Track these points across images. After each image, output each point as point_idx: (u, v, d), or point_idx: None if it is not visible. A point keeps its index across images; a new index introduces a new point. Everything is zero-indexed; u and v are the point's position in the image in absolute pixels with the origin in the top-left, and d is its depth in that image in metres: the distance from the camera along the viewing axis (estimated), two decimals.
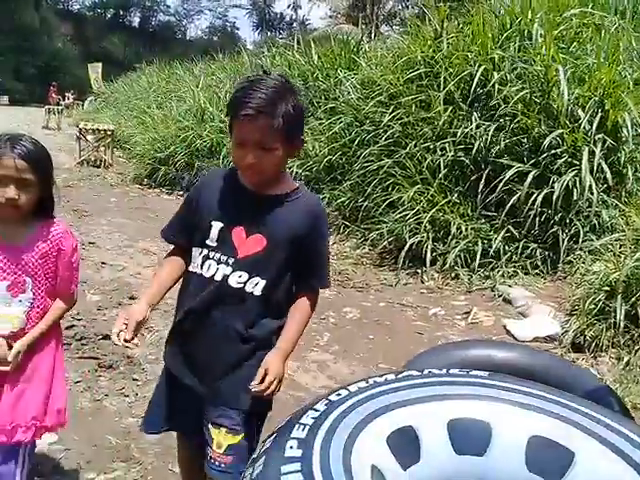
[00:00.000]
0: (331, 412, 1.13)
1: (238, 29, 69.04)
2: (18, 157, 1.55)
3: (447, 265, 4.81)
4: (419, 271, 4.94)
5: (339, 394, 1.22)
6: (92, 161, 11.15)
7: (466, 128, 5.23)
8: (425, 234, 4.93)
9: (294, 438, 1.06)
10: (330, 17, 32.08)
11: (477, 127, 5.20)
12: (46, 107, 20.34)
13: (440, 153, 5.30)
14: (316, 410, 1.15)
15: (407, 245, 4.92)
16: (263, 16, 62.06)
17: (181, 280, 1.63)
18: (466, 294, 4.56)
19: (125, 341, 1.42)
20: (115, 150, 11.85)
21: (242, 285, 1.46)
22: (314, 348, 3.59)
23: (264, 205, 1.49)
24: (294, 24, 60.05)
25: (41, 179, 1.62)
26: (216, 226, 1.49)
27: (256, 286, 1.47)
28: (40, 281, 1.67)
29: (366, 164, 5.88)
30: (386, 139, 5.75)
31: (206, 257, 1.49)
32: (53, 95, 23.82)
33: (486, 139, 5.04)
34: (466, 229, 4.87)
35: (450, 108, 5.49)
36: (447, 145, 5.26)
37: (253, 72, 10.10)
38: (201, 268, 1.50)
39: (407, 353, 3.41)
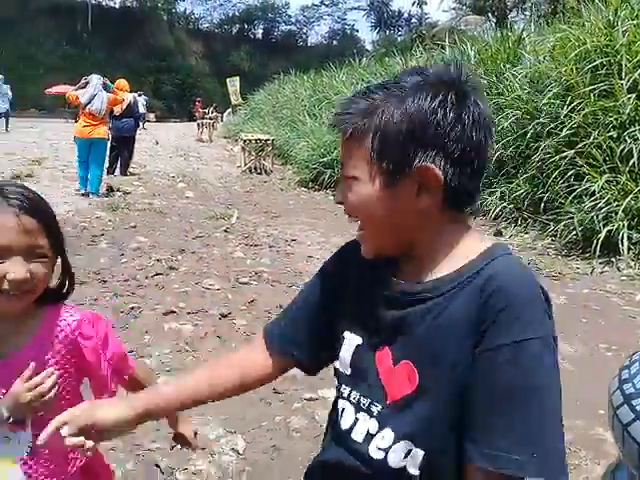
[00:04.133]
0: None
1: (357, 31, 69.95)
2: (22, 212, 0.99)
3: None
4: (613, 260, 5.03)
5: None
6: (254, 169, 12.18)
7: None
8: (619, 223, 5.01)
9: None
10: (453, 9, 31.62)
11: None
12: (198, 121, 22.24)
13: (628, 142, 5.33)
14: None
15: (602, 234, 5.02)
16: (381, 15, 62.43)
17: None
18: None
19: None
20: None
21: (383, 455, 0.84)
22: None
23: (410, 304, 0.85)
24: (412, 20, 59.81)
25: (55, 243, 1.05)
26: (350, 342, 0.92)
27: (408, 456, 0.82)
28: (48, 412, 1.01)
29: (544, 156, 6.04)
30: (566, 130, 5.86)
31: (337, 392, 0.94)
32: (199, 109, 25.87)
33: None
34: None
35: (633, 96, 5.50)
36: (637, 133, 5.28)
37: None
38: (335, 407, 0.95)
39: (624, 336, 3.61)
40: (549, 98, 6.28)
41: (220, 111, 27.65)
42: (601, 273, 4.95)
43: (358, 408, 0.88)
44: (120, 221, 6.54)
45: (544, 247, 5.70)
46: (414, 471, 0.81)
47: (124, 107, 9.68)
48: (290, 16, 70.79)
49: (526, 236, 6.09)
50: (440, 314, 0.80)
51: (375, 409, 0.85)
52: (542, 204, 5.98)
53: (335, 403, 0.95)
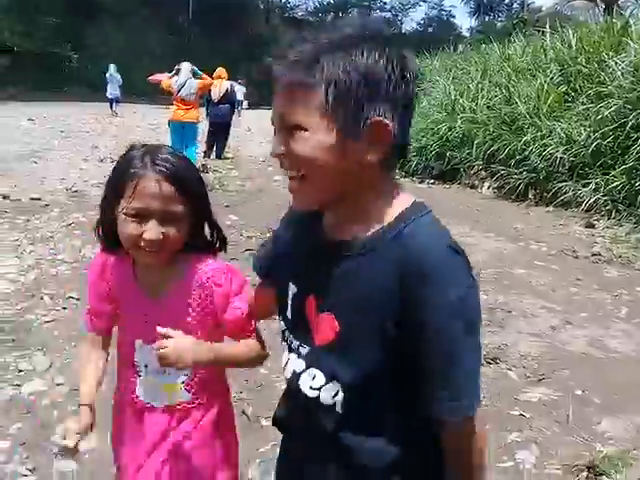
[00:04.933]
0: None
1: (454, 17, 68.06)
2: (163, 179, 1.10)
3: None
4: None
5: None
6: None
7: None
8: None
9: None
10: None
11: None
12: None
13: None
14: None
15: None
16: (481, 0, 60.39)
17: None
18: None
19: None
20: None
21: (316, 393, 0.93)
22: (615, 320, 3.82)
23: (334, 257, 0.90)
24: (514, 4, 57.37)
25: (194, 208, 1.16)
26: (292, 290, 0.98)
27: (335, 397, 0.91)
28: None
29: None
30: None
31: (283, 336, 1.02)
32: None
33: None
34: None
35: None
36: None
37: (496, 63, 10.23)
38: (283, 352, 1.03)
39: None
40: None
41: None
42: None
43: (290, 349, 0.98)
44: (214, 200, 6.89)
45: (638, 241, 5.48)
46: (339, 409, 0.91)
47: (222, 93, 10.18)
48: (385, 3, 70.11)
49: (620, 229, 5.87)
50: (361, 273, 0.86)
51: (303, 350, 0.95)
52: (639, 197, 5.73)
53: None
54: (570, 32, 8.50)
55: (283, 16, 68.97)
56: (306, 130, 0.83)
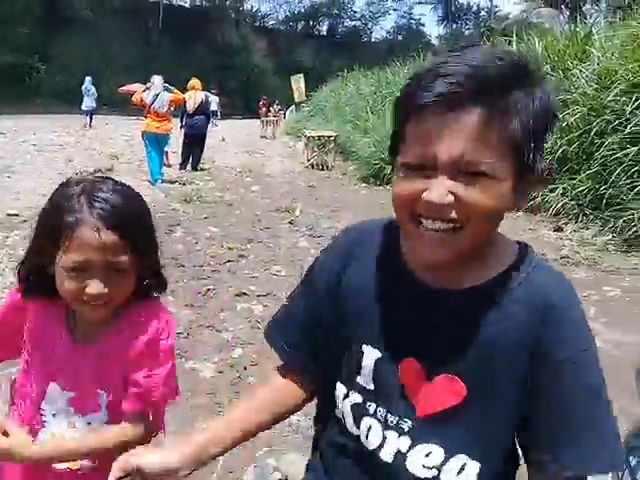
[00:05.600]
0: None
1: (423, 25, 69.03)
2: (104, 226, 0.96)
3: None
4: None
5: None
6: (316, 164, 12.51)
7: None
8: None
9: None
10: (525, 1, 30.79)
11: None
12: (263, 119, 22.87)
13: None
14: None
15: None
16: (449, 8, 61.49)
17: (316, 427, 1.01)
18: None
19: None
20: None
21: (436, 473, 0.80)
22: None
23: (445, 309, 0.80)
24: (481, 13, 58.57)
25: (141, 256, 1.03)
26: (370, 354, 0.85)
27: (460, 474, 0.79)
28: (121, 396, 1.07)
29: (608, 153, 6.04)
30: (631, 127, 5.84)
31: (361, 410, 0.86)
32: (264, 108, 26.51)
33: None
34: None
35: None
36: None
37: None
38: (357, 428, 0.86)
39: None
40: (615, 95, 6.25)
41: (283, 108, 28.12)
42: None
43: (386, 426, 0.82)
44: (193, 212, 7.03)
45: (604, 243, 5.72)
46: None
47: (197, 105, 10.24)
48: (355, 12, 70.76)
49: (586, 232, 6.10)
50: (487, 325, 0.76)
51: (405, 425, 0.80)
52: (604, 200, 5.99)
53: (327, 416, 0.91)
54: (536, 40, 8.79)
55: (254, 25, 69.12)
56: (491, 177, 0.70)
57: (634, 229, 5.44)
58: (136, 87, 9.21)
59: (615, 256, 5.44)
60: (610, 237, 5.82)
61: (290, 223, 6.72)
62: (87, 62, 32.82)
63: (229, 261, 5.09)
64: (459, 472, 0.78)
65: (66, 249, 0.96)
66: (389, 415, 0.82)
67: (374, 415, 0.83)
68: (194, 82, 10.43)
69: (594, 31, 7.92)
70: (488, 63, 0.69)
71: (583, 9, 25.87)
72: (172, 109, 9.43)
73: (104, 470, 0.93)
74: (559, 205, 6.54)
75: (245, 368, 3.14)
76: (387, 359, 0.82)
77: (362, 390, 0.85)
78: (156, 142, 9.04)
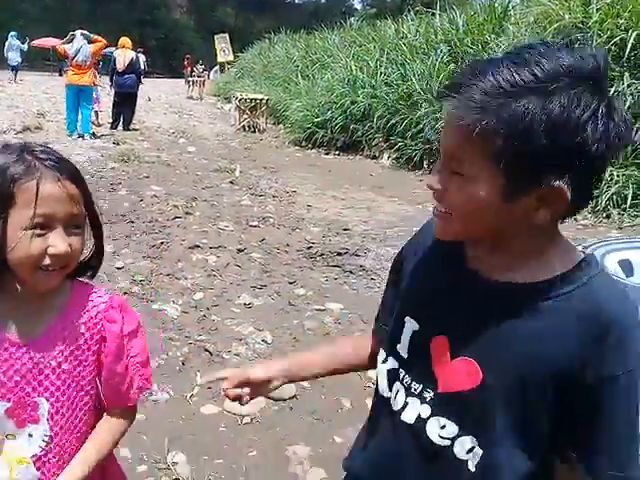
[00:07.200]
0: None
1: None
2: (63, 177, 0.91)
3: (599, 207, 5.64)
4: None
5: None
6: (248, 127, 12.66)
7: (618, 87, 5.92)
8: None
9: None
10: None
11: (628, 86, 5.88)
12: (188, 79, 22.39)
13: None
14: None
15: None
16: None
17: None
18: (618, 230, 5.39)
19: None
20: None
21: (449, 443, 0.85)
22: None
23: (489, 302, 0.81)
24: None
25: (90, 210, 0.98)
26: (409, 326, 0.91)
27: (469, 453, 0.84)
28: (65, 403, 0.97)
29: None
30: None
31: (394, 374, 0.94)
32: (189, 67, 25.83)
33: (638, 96, 5.74)
34: (618, 175, 5.64)
35: None
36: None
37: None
38: (389, 390, 0.94)
39: None
40: None
41: (207, 69, 27.54)
42: (561, 223, 5.70)
43: (409, 393, 0.88)
44: (133, 172, 7.13)
45: None
46: (472, 468, 0.82)
47: (127, 63, 10.11)
48: None
49: None
50: (526, 323, 0.77)
51: (427, 395, 0.86)
52: None
53: (382, 381, 0.95)
54: (457, 14, 9.35)
55: None
56: (469, 178, 0.74)
57: None
58: (50, 41, 9.39)
59: None
60: None
61: (231, 183, 7.00)
62: None
63: (177, 217, 5.34)
64: (468, 451, 0.82)
65: (23, 205, 0.88)
66: (414, 383, 0.88)
67: (402, 381, 0.90)
68: (124, 40, 10.27)
69: (510, 7, 8.56)
70: (505, 76, 0.69)
71: None
72: (96, 61, 9.72)
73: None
74: None
75: (208, 308, 3.50)
76: (423, 332, 0.87)
77: (398, 357, 0.91)
78: (77, 94, 9.22)
